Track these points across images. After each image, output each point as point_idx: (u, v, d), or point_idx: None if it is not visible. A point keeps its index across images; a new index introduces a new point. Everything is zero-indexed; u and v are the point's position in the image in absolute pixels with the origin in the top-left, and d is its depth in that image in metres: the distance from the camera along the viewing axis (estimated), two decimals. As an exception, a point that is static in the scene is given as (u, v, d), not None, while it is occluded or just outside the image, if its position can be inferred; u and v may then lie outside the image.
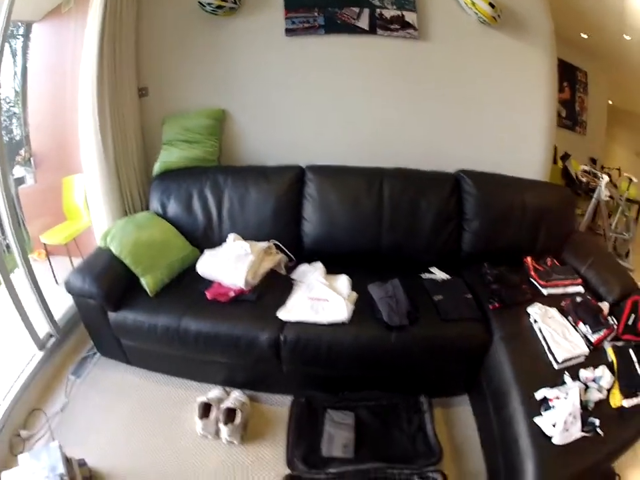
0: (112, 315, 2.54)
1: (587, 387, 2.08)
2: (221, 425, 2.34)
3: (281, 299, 2.61)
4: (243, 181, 3.07)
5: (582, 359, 2.23)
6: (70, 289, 2.56)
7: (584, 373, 2.12)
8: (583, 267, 2.94)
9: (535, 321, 2.44)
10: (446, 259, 3.09)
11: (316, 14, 3.25)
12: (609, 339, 2.35)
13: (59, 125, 3.67)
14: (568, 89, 6.01)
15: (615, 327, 2.39)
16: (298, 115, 3.38)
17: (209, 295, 2.59)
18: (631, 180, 5.05)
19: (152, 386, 2.69)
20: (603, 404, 2.03)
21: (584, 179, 4.54)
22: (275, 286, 2.75)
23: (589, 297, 2.60)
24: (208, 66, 3.39)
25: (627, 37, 4.52)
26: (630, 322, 2.43)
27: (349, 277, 2.76)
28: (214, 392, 2.55)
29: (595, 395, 2.03)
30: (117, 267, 2.64)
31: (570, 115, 6.10)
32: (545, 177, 3.53)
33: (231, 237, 2.91)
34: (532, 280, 2.85)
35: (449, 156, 3.33)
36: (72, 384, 2.68)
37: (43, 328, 2.80)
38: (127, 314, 2.53)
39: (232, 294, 2.61)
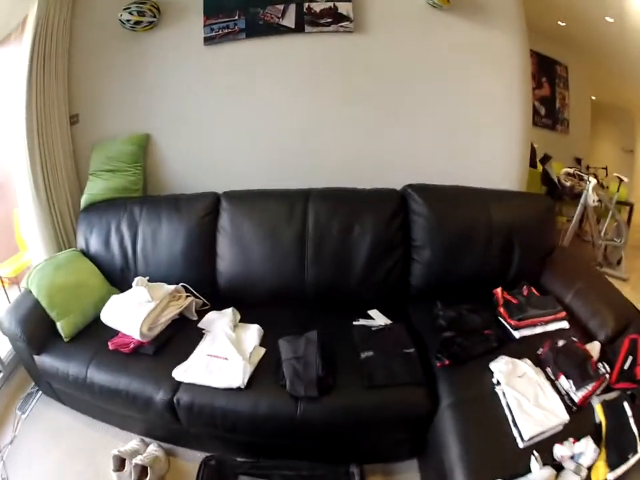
0: (36, 358, 1.93)
1: (561, 468, 1.30)
2: (134, 481, 1.62)
3: (183, 353, 1.77)
4: (156, 214, 2.17)
5: (559, 429, 1.40)
6: (2, 329, 1.98)
7: (560, 450, 1.32)
8: (568, 294, 1.94)
9: (498, 382, 1.53)
10: (390, 297, 2.04)
11: (237, 17, 2.33)
12: (598, 392, 1.51)
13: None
14: (547, 84, 4.69)
15: (607, 375, 1.55)
16: (219, 132, 2.43)
17: (111, 345, 1.83)
18: (621, 180, 3.73)
19: (82, 429, 2.04)
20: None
21: (568, 183, 3.31)
22: (181, 336, 1.88)
23: (574, 337, 1.69)
24: (133, 87, 2.49)
25: (609, 19, 3.26)
26: (626, 366, 1.60)
27: (260, 328, 1.84)
28: (132, 443, 1.87)
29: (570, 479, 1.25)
30: (39, 310, 1.97)
31: (550, 113, 4.77)
32: (520, 185, 2.46)
33: (136, 280, 1.99)
34: (500, 319, 1.85)
35: (397, 170, 2.32)
36: (18, 419, 2.15)
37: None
38: (45, 358, 1.90)
39: (132, 345, 1.81)
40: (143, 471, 1.73)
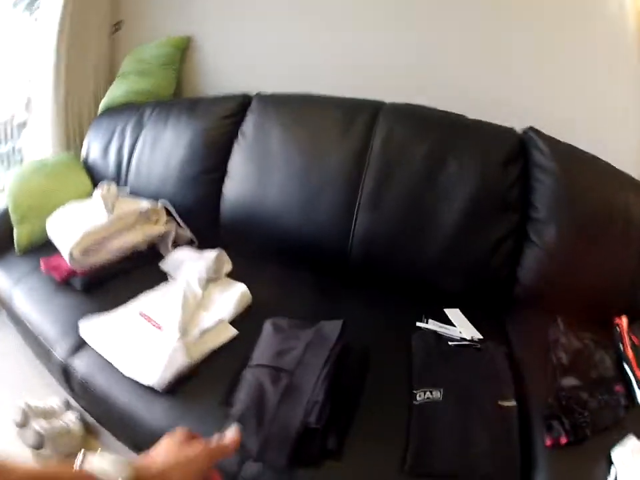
0: None
1: None
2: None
3: (122, 302, 0.84)
4: (166, 115, 1.27)
5: None
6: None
7: None
8: None
9: None
10: (484, 294, 0.93)
11: None
12: None
13: None
14: None
15: None
16: (271, 32, 1.40)
17: (43, 264, 1.01)
18: None
19: (20, 362, 1.17)
20: None
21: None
22: (135, 276, 0.96)
23: None
24: None
25: None
26: None
27: (246, 291, 0.85)
28: (51, 401, 1.05)
29: None
30: (5, 213, 1.21)
31: None
32: None
33: (100, 186, 1.10)
34: (626, 366, 0.77)
35: (515, 108, 1.10)
36: None
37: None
38: None
39: (64, 272, 0.96)
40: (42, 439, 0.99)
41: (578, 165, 0.98)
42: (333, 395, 0.59)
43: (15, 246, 1.18)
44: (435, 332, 0.79)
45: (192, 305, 0.79)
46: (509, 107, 1.13)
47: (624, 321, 0.90)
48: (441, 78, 1.13)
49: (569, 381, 0.73)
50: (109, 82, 1.87)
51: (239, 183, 1.05)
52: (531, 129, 1.00)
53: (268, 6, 1.38)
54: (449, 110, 0.99)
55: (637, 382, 0.78)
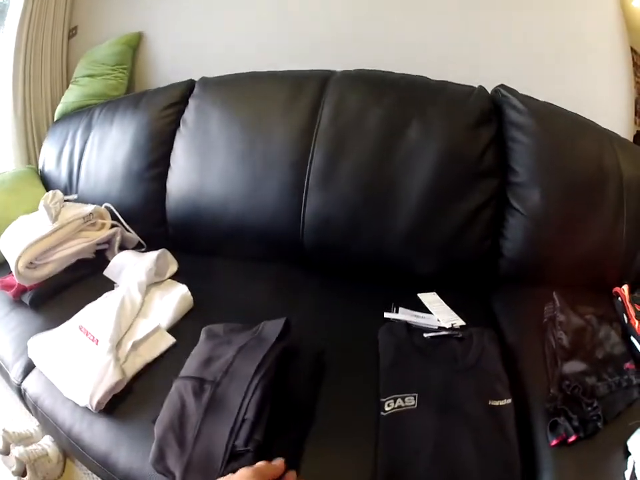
0: None
1: None
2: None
3: (70, 314, 0.73)
4: (112, 113, 1.16)
5: None
6: None
7: None
8: None
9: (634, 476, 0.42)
10: (463, 273, 0.81)
11: None
12: None
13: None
14: None
15: None
16: (217, 15, 1.31)
17: None
18: None
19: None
20: None
21: None
22: (82, 286, 0.86)
23: None
24: None
25: None
26: None
27: (187, 293, 0.73)
28: (31, 425, 0.98)
29: None
30: None
31: None
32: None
33: (45, 196, 0.96)
34: (633, 339, 0.65)
35: (481, 67, 1.02)
36: None
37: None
38: None
39: (16, 289, 0.85)
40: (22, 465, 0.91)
41: (559, 122, 0.85)
42: (272, 409, 0.47)
43: None
44: (406, 323, 0.66)
45: (129, 313, 0.68)
46: (476, 67, 1.04)
47: (625, 289, 0.78)
48: (397, 37, 1.01)
49: (573, 366, 0.61)
50: (65, 88, 1.86)
51: (181, 175, 0.93)
52: (503, 86, 0.87)
53: None
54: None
55: None
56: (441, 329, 0.66)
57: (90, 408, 0.58)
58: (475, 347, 0.62)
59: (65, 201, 1.05)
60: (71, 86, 1.57)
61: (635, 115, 2.92)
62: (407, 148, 0.75)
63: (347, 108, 0.79)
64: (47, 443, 0.99)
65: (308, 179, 0.80)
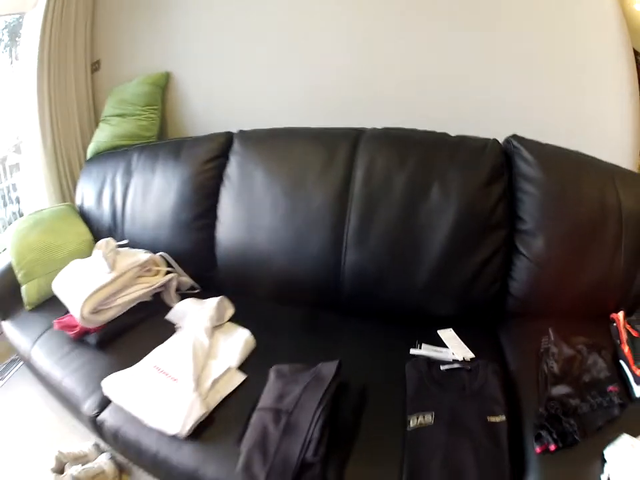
0: (2, 324, 1.37)
1: None
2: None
3: (136, 354, 1.00)
4: (153, 160, 1.40)
5: None
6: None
7: None
8: None
9: None
10: (476, 311, 1.05)
11: None
12: None
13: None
14: None
15: None
16: (247, 63, 1.56)
17: (57, 324, 1.15)
18: None
19: (46, 412, 1.36)
20: None
21: None
22: (144, 328, 1.11)
23: None
24: (156, 26, 1.72)
25: None
26: None
27: (250, 337, 0.99)
28: (83, 445, 1.19)
29: None
30: (10, 270, 1.39)
31: None
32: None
33: (99, 243, 1.28)
34: (623, 363, 0.90)
35: (493, 118, 1.26)
36: None
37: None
38: (9, 325, 1.32)
39: (78, 329, 1.11)
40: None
41: (564, 168, 1.05)
42: (331, 431, 0.70)
43: (25, 303, 1.32)
44: (427, 358, 0.88)
45: (201, 355, 0.90)
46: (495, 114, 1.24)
47: (620, 315, 0.98)
48: (424, 91, 1.24)
49: (560, 390, 0.81)
50: (93, 123, 2.05)
51: (230, 227, 1.16)
52: (515, 137, 1.08)
53: (240, 40, 1.50)
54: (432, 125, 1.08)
55: (633, 377, 0.86)
56: (454, 361, 0.88)
57: (179, 436, 0.79)
58: (480, 377, 0.83)
59: (117, 246, 1.30)
60: (101, 125, 1.79)
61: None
62: (429, 209, 0.97)
63: (376, 172, 1.01)
64: (103, 461, 1.19)
65: (346, 237, 1.02)
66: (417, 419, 0.76)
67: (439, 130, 1.11)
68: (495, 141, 1.07)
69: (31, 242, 1.39)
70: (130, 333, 1.08)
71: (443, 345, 0.94)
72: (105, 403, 0.94)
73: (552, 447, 0.73)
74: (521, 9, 1.22)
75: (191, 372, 0.84)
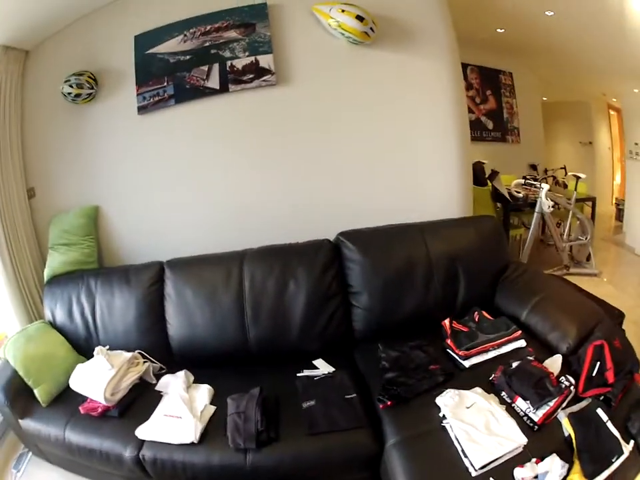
0: (21, 422, 2.15)
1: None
2: None
3: (145, 414, 2.01)
4: (109, 286, 2.44)
5: (518, 451, 1.47)
6: (-13, 396, 2.23)
7: (520, 473, 1.39)
8: (523, 311, 2.08)
9: (444, 417, 1.64)
10: (336, 344, 2.26)
11: (165, 84, 2.57)
12: (563, 405, 1.59)
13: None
14: (492, 97, 4.87)
15: (572, 387, 1.64)
16: (159, 199, 2.70)
17: (82, 409, 2.08)
18: (578, 178, 3.80)
19: None
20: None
21: (520, 194, 3.40)
22: (142, 399, 2.14)
23: (529, 357, 1.80)
24: (81, 159, 2.72)
25: (549, 13, 3.43)
26: (593, 373, 1.67)
27: (210, 388, 2.10)
28: None
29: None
30: (18, 378, 2.20)
31: (498, 126, 4.90)
32: (466, 210, 2.67)
33: (96, 350, 2.25)
34: (449, 351, 1.98)
35: (334, 219, 2.51)
36: (14, 477, 2.33)
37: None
38: (29, 422, 2.12)
39: (100, 409, 2.07)
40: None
41: (376, 244, 2.25)
42: (265, 415, 1.76)
43: (41, 402, 2.12)
44: (307, 376, 2.01)
45: (188, 402, 1.95)
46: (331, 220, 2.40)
47: (447, 321, 2.07)
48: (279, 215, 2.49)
49: (390, 374, 1.92)
50: (38, 247, 2.80)
51: (177, 327, 2.26)
52: (342, 233, 2.28)
53: (154, 187, 2.55)
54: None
55: (457, 356, 1.89)
56: (323, 374, 2.02)
57: (194, 441, 1.80)
58: (337, 379, 1.98)
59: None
60: (51, 252, 2.71)
61: (508, 134, 4.80)
62: (290, 295, 2.14)
63: (257, 280, 2.17)
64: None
65: (247, 322, 2.16)
66: (307, 402, 1.85)
67: (296, 234, 2.30)
68: (326, 240, 2.28)
69: (32, 354, 2.22)
70: (136, 401, 2.07)
71: (316, 368, 2.10)
72: (140, 445, 1.89)
73: (389, 403, 1.73)
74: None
75: (187, 410, 1.91)
